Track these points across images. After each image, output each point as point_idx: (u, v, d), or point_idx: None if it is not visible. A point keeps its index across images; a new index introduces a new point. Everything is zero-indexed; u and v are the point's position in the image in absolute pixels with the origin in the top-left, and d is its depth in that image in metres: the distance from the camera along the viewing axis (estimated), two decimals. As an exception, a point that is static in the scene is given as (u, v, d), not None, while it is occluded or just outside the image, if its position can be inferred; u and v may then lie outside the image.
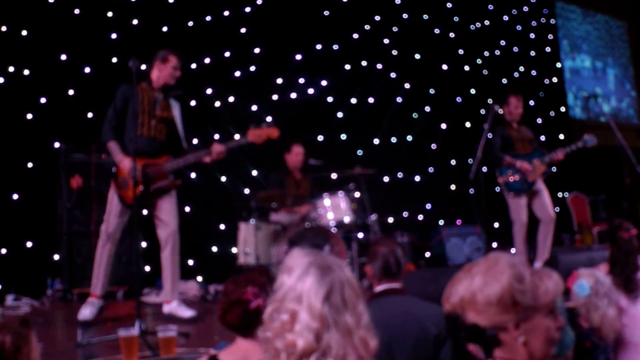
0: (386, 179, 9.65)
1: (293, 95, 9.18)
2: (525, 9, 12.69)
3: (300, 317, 1.74)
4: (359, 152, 9.46)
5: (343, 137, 9.47)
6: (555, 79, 12.89)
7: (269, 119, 8.75)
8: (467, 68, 11.18)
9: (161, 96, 5.50)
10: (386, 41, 10.27)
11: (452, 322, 2.02)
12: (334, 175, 8.06)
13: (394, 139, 10.02)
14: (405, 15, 10.59)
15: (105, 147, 5.49)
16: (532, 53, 12.49)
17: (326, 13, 9.65)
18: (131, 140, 5.09)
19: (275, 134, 5.55)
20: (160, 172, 5.29)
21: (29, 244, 7.16)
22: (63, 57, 7.68)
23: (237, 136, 5.60)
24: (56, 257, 7.14)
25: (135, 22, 8.20)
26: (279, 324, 1.77)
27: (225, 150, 5.42)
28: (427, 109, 10.42)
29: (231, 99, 8.65)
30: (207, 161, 5.46)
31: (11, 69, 7.38)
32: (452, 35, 11.13)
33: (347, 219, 7.16)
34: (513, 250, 7.98)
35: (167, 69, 5.47)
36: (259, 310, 2.24)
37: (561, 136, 11.79)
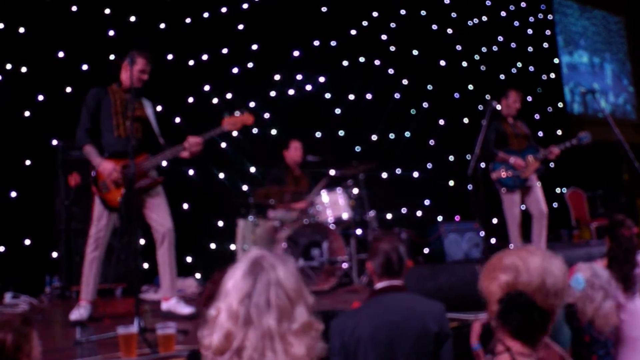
0: (384, 175, 9.65)
1: (291, 92, 9.18)
2: (523, 4, 12.69)
3: (220, 315, 1.75)
4: (357, 149, 9.46)
5: (341, 133, 9.47)
6: (552, 75, 12.91)
7: (266, 115, 8.77)
8: (464, 64, 11.19)
9: (131, 96, 5.46)
10: (384, 37, 10.27)
11: (519, 300, 2.04)
12: (332, 172, 8.05)
13: (392, 135, 10.02)
14: (403, 12, 10.59)
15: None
16: (530, 49, 12.50)
17: (324, 9, 9.64)
18: (108, 143, 5.19)
19: (250, 120, 5.50)
20: (140, 170, 5.28)
21: (27, 242, 7.16)
22: (60, 54, 7.67)
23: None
24: (54, 254, 7.14)
25: (132, 19, 8.19)
26: (209, 321, 1.79)
27: (202, 142, 5.36)
28: (425, 105, 10.42)
29: (229, 95, 8.64)
30: (185, 155, 5.40)
31: (9, 66, 7.36)
32: (449, 31, 11.12)
33: (345, 216, 7.16)
34: (511, 246, 7.99)
35: (134, 71, 5.36)
36: None
37: (559, 132, 11.79)
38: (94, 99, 5.39)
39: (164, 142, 5.57)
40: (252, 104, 8.77)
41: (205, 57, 8.57)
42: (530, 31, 12.67)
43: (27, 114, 7.39)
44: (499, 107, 7.16)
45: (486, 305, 2.17)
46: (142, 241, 6.96)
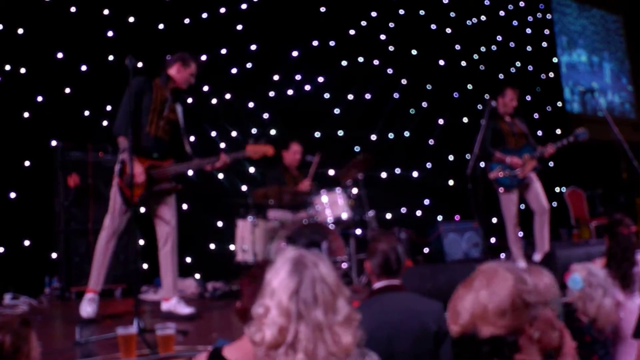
0: (384, 174, 9.65)
1: (290, 92, 9.18)
2: (522, 4, 12.70)
3: (270, 312, 1.83)
4: (356, 148, 9.46)
5: (340, 133, 9.47)
6: (551, 74, 12.91)
7: (265, 115, 8.76)
8: (463, 63, 11.19)
9: (171, 97, 5.48)
10: (383, 37, 10.27)
11: (469, 341, 2.03)
12: (331, 172, 8.05)
13: (391, 135, 10.02)
14: (401, 11, 10.59)
15: (115, 140, 5.30)
16: (529, 48, 12.51)
17: (322, 9, 9.64)
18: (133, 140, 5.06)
19: (270, 151, 5.65)
20: (164, 175, 5.28)
21: (27, 243, 7.15)
22: (59, 55, 7.67)
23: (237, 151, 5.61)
24: (54, 255, 7.14)
25: (131, 19, 8.19)
26: (256, 318, 1.87)
27: (229, 162, 5.46)
28: (424, 104, 10.42)
29: (228, 96, 8.65)
30: (208, 169, 5.47)
31: (7, 67, 7.36)
32: (448, 30, 11.13)
33: (344, 216, 7.16)
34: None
35: (186, 73, 5.43)
36: None
37: (558, 131, 11.78)
38: (139, 89, 5.31)
39: (191, 151, 5.58)
40: (251, 104, 8.78)
41: (204, 57, 8.57)
42: (529, 30, 12.68)
43: (26, 114, 7.39)
44: (495, 104, 7.15)
45: None
46: (141, 242, 6.95)
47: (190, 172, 5.64)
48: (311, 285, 1.83)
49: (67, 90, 7.62)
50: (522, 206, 7.42)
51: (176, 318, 5.08)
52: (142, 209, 5.66)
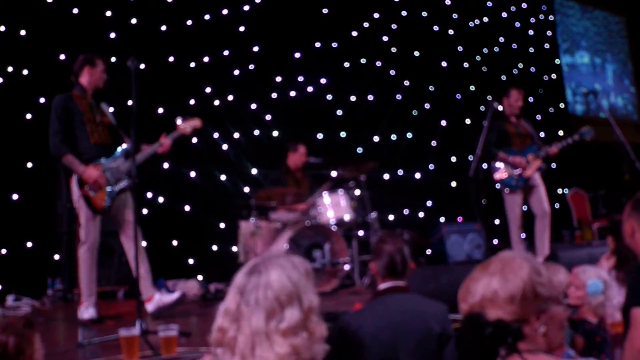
0: (386, 176, 9.65)
1: (292, 94, 9.18)
2: (524, 5, 12.69)
3: (219, 311, 1.88)
4: (359, 150, 9.46)
5: (343, 134, 9.47)
6: (554, 75, 12.90)
7: (268, 117, 8.77)
8: (466, 65, 11.18)
9: (94, 101, 5.49)
10: (385, 38, 10.27)
11: (474, 320, 2.04)
12: (333, 173, 8.05)
13: (393, 137, 10.02)
14: (404, 13, 10.59)
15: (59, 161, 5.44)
16: (531, 49, 12.49)
17: (325, 11, 9.64)
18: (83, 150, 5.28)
19: (198, 123, 5.66)
20: (119, 173, 5.33)
21: (29, 244, 7.16)
22: (62, 56, 7.67)
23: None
24: (56, 257, 7.14)
25: (134, 21, 8.19)
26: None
27: (171, 144, 5.52)
28: (427, 106, 10.41)
29: (230, 97, 8.65)
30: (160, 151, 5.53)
31: (10, 69, 7.37)
32: (451, 32, 11.12)
33: (347, 217, 7.16)
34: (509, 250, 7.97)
35: (97, 72, 5.44)
36: None
37: (560, 132, 11.77)
38: (62, 107, 5.37)
39: (130, 144, 5.58)
40: (253, 106, 8.78)
41: (206, 58, 8.58)
42: (531, 32, 12.67)
43: (28, 116, 7.40)
44: (500, 107, 7.16)
45: None
46: (143, 243, 6.95)
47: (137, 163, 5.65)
48: (255, 290, 1.83)
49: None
50: (525, 207, 7.41)
51: (171, 313, 5.10)
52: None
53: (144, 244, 6.69)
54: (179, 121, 5.63)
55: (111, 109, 5.70)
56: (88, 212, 5.28)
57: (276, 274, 1.85)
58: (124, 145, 5.53)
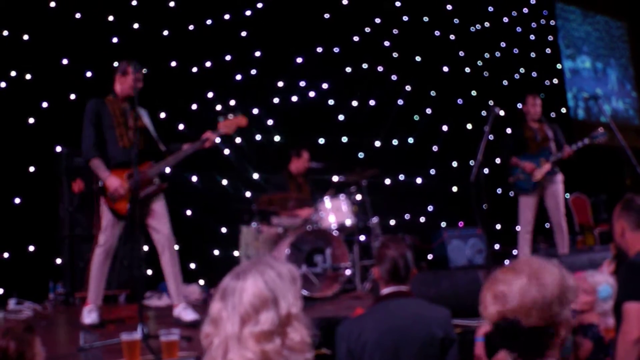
0: (388, 181, 9.65)
1: (294, 99, 9.19)
2: (525, 10, 12.70)
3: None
4: (360, 155, 9.46)
5: (344, 139, 9.47)
6: (555, 80, 12.90)
7: (270, 122, 8.78)
8: (467, 70, 11.19)
9: (128, 106, 5.50)
10: (387, 43, 10.28)
11: (511, 328, 2.03)
12: (335, 178, 8.05)
13: (395, 141, 10.03)
14: (405, 18, 10.60)
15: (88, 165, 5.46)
16: (533, 54, 12.50)
17: (327, 16, 9.65)
18: (112, 154, 5.28)
19: (243, 122, 5.63)
20: (145, 179, 5.32)
21: (31, 248, 7.17)
22: (65, 61, 7.70)
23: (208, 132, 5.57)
24: (58, 260, 7.15)
25: (136, 26, 8.21)
26: None
27: (213, 142, 5.48)
28: (428, 111, 10.43)
29: (232, 102, 8.66)
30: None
31: (13, 73, 7.39)
32: (452, 37, 11.14)
33: (348, 222, 7.16)
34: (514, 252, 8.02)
35: (128, 81, 5.45)
36: None
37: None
38: (94, 111, 5.41)
39: (165, 148, 5.60)
40: (255, 111, 8.79)
41: (208, 63, 8.59)
42: (532, 37, 12.67)
43: (31, 120, 7.42)
44: (502, 112, 7.21)
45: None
46: (145, 247, 6.96)
47: (167, 169, 5.63)
48: (232, 295, 1.85)
49: (72, 96, 7.63)
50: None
51: (180, 324, 5.10)
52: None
53: (145, 248, 6.73)
54: (221, 119, 5.59)
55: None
56: (110, 217, 5.29)
57: (252, 279, 1.87)
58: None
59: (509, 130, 7.45)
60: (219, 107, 8.52)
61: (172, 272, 5.37)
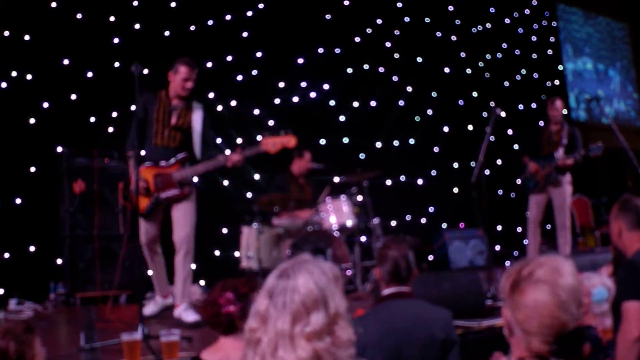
0: (389, 182, 9.65)
1: (295, 99, 9.19)
2: (527, 11, 12.70)
3: (251, 312, 1.90)
4: (362, 156, 9.46)
5: (345, 140, 9.47)
6: (557, 82, 12.89)
7: (271, 122, 8.77)
8: (469, 71, 11.19)
9: (180, 104, 5.48)
10: (388, 44, 10.28)
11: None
12: (336, 179, 8.04)
13: (396, 142, 10.02)
14: (407, 19, 10.60)
15: (124, 156, 5.55)
16: (534, 56, 12.49)
17: (328, 17, 9.65)
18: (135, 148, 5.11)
19: (292, 142, 5.43)
20: (169, 181, 5.30)
21: (32, 248, 7.16)
22: (65, 61, 7.70)
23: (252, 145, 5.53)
24: (59, 261, 7.14)
25: (137, 26, 8.21)
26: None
27: (241, 159, 5.39)
28: (430, 112, 10.42)
29: (233, 103, 8.66)
30: (228, 165, 5.45)
31: (14, 73, 7.38)
32: (453, 38, 11.13)
33: (349, 223, 7.16)
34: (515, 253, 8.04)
35: (177, 80, 5.44)
36: (231, 316, 2.59)
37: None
38: (141, 105, 5.36)
39: (200, 156, 5.53)
40: (256, 111, 8.79)
41: (209, 64, 8.59)
42: (534, 38, 12.67)
43: (32, 121, 7.41)
44: (503, 113, 7.24)
45: (509, 334, 2.11)
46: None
47: (195, 179, 5.57)
48: (282, 293, 1.85)
49: (73, 97, 7.63)
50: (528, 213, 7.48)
51: (181, 325, 5.09)
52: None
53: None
54: (266, 134, 5.51)
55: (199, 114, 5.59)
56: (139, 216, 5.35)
57: (303, 279, 1.87)
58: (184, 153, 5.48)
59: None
60: (219, 108, 8.50)
61: (180, 273, 5.39)
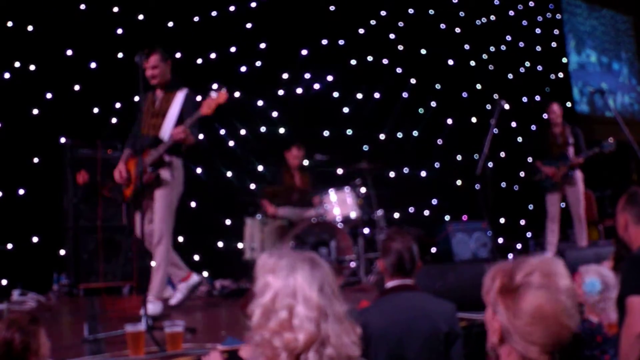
0: (392, 174, 9.64)
1: (299, 91, 9.17)
2: (531, 4, 12.65)
3: (297, 311, 1.80)
4: (365, 148, 9.44)
5: (349, 132, 9.46)
6: (561, 74, 12.86)
7: (274, 114, 8.76)
8: (473, 63, 11.16)
9: (161, 93, 5.51)
10: (392, 36, 10.25)
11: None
12: (340, 171, 8.04)
13: (400, 134, 10.01)
14: (411, 11, 10.57)
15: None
16: (538, 48, 12.46)
17: (332, 8, 9.63)
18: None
19: (222, 98, 5.34)
20: (145, 168, 5.28)
21: (35, 239, 7.17)
22: (69, 52, 7.68)
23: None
24: (62, 252, 7.15)
25: (141, 17, 8.19)
26: (277, 322, 1.82)
27: (184, 130, 5.24)
28: (433, 104, 10.40)
29: (237, 94, 8.64)
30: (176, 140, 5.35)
31: (17, 64, 7.38)
32: (457, 30, 11.10)
33: (353, 215, 7.16)
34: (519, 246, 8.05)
35: (146, 69, 5.46)
36: None
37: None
38: (142, 100, 5.33)
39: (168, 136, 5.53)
40: (260, 103, 8.78)
41: (213, 55, 8.57)
42: (538, 30, 12.63)
43: (35, 111, 7.41)
44: (507, 106, 7.22)
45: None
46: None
47: (166, 158, 5.45)
48: (328, 281, 1.86)
49: (77, 88, 7.63)
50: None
51: (183, 315, 5.09)
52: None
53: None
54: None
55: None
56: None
57: (326, 265, 1.92)
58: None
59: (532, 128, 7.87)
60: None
61: (155, 264, 5.36)
